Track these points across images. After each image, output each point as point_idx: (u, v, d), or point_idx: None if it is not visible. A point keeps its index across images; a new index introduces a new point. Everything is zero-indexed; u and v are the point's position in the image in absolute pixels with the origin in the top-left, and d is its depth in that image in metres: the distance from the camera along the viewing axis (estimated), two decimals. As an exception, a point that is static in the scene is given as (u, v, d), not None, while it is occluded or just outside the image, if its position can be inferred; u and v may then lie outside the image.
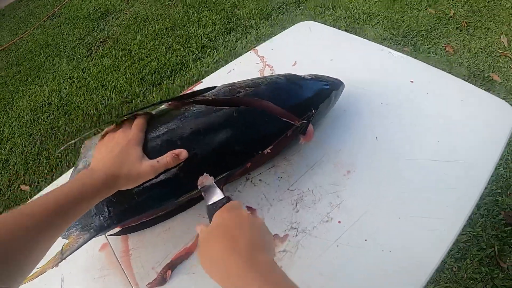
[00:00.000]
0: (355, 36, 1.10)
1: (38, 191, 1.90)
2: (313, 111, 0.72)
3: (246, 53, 1.09)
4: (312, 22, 1.17)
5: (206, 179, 0.61)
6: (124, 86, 2.43)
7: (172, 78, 2.41)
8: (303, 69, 0.87)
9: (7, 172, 2.11)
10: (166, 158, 0.59)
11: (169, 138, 0.62)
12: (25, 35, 3.32)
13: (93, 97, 2.41)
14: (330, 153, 0.78)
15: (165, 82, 2.38)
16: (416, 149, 0.76)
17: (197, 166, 0.62)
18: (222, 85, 0.74)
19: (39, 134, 2.27)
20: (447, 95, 0.87)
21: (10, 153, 2.22)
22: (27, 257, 0.45)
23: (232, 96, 0.69)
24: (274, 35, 1.15)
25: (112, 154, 0.58)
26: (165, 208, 0.69)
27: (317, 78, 0.79)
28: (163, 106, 0.72)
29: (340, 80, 0.83)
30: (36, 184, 1.98)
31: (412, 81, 0.91)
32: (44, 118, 2.38)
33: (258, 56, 1.06)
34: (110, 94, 2.39)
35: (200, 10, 3.02)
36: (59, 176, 1.90)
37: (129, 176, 0.57)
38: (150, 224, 0.70)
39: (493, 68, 2.25)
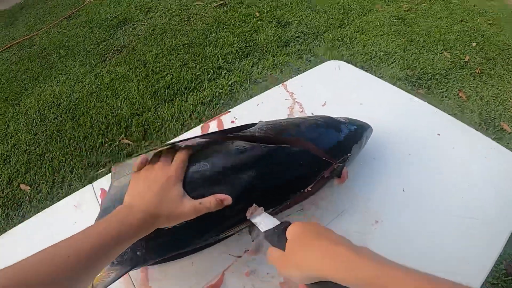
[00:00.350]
0: (384, 82, 1.11)
1: (38, 193, 1.89)
2: (348, 154, 0.73)
3: (275, 87, 1.09)
4: (341, 62, 1.19)
5: (255, 210, 0.61)
6: (136, 97, 2.42)
7: (185, 95, 2.40)
8: (333, 110, 0.88)
9: (7, 168, 2.07)
10: (210, 202, 0.57)
11: (211, 175, 0.61)
12: (41, 32, 3.33)
13: (103, 105, 2.40)
14: (359, 201, 0.77)
15: (177, 99, 2.38)
16: (441, 204, 0.77)
17: (241, 203, 0.61)
18: (262, 122, 0.74)
19: (44, 135, 2.25)
20: (472, 151, 0.89)
21: (12, 149, 2.19)
22: None
23: (274, 134, 0.69)
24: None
25: (151, 192, 0.56)
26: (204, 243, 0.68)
27: (350, 122, 0.80)
28: (202, 139, 0.70)
29: (368, 124, 0.84)
30: (36, 185, 1.95)
31: (439, 134, 0.92)
32: (51, 119, 2.36)
33: (288, 91, 1.06)
34: (121, 104, 2.38)
35: (219, 31, 3.05)
36: (61, 181, 1.93)
37: (169, 216, 0.55)
38: (177, 257, 0.68)
39: (504, 117, 2.30)
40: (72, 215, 0.78)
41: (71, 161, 2.05)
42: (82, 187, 0.84)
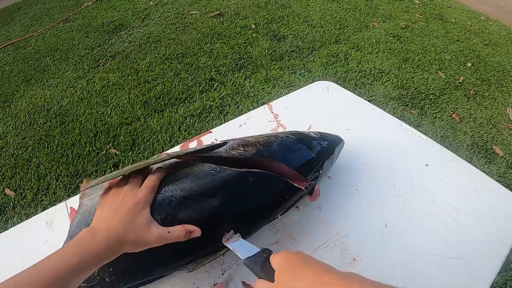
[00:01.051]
0: (374, 106, 1.09)
1: (23, 199, 1.86)
2: (320, 171, 0.73)
3: (260, 107, 1.07)
4: (330, 83, 1.17)
5: (232, 237, 0.60)
6: (126, 106, 2.40)
7: (175, 107, 2.38)
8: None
9: (-7, 172, 2.04)
10: (178, 232, 0.55)
11: (180, 200, 0.60)
12: (36, 34, 3.31)
13: (93, 112, 2.37)
14: (337, 236, 0.75)
15: (168, 109, 2.35)
16: (425, 242, 0.75)
17: (209, 232, 0.60)
18: (234, 139, 0.73)
19: (32, 139, 2.22)
20: (461, 184, 0.87)
21: (0, 152, 2.16)
22: None
23: (245, 155, 0.68)
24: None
25: (117, 216, 0.54)
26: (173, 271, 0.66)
27: (322, 136, 0.80)
28: (173, 160, 0.68)
29: (340, 137, 0.84)
30: (21, 191, 1.91)
31: (427, 165, 0.90)
32: (40, 123, 2.33)
33: (272, 113, 1.04)
34: (110, 112, 2.36)
35: (214, 41, 3.04)
36: (46, 188, 1.90)
37: (135, 243, 0.53)
38: (145, 283, 0.66)
39: (496, 141, 2.30)
40: (44, 233, 0.77)
41: (57, 168, 2.01)
42: (65, 196, 0.83)
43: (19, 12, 3.72)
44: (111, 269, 0.57)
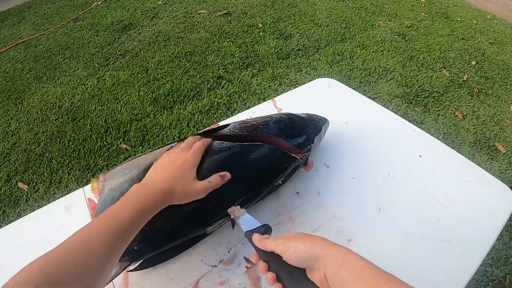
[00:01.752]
0: (372, 101, 1.14)
1: (35, 192, 1.92)
2: (311, 145, 0.83)
3: (264, 103, 1.13)
4: (332, 79, 1.22)
5: (237, 211, 0.68)
6: (136, 103, 2.46)
7: (184, 104, 2.44)
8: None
9: (7, 166, 2.10)
10: (216, 179, 0.65)
11: (211, 169, 0.69)
12: (47, 32, 3.37)
13: (104, 109, 2.44)
14: (334, 219, 0.80)
15: (177, 106, 2.42)
16: (417, 226, 0.80)
17: (227, 195, 0.69)
18: (234, 122, 0.83)
19: (44, 135, 2.28)
20: (453, 173, 0.92)
21: (13, 147, 2.22)
22: (97, 278, 0.48)
23: (248, 132, 0.78)
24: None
25: (167, 171, 0.63)
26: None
27: (310, 116, 0.90)
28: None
29: (325, 118, 0.93)
30: (34, 184, 1.98)
31: (420, 156, 0.96)
32: (52, 120, 2.40)
33: (276, 107, 1.10)
34: (121, 109, 2.42)
35: (221, 40, 3.10)
36: (58, 182, 1.96)
37: (183, 193, 0.62)
38: (164, 259, 0.73)
39: (499, 138, 2.33)
40: (63, 217, 0.82)
41: (69, 162, 2.08)
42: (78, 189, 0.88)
43: (29, 11, 3.78)
44: (139, 237, 0.62)
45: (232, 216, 0.67)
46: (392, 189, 0.87)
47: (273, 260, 0.54)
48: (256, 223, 0.63)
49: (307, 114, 0.91)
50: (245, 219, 0.65)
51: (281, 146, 0.78)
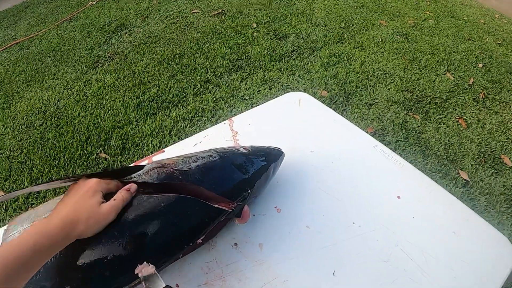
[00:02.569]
0: (349, 122, 1.01)
1: (15, 201, 1.87)
2: (249, 191, 0.67)
3: (220, 124, 1.01)
4: (304, 94, 1.10)
5: (145, 268, 0.57)
6: (120, 109, 2.37)
7: (168, 110, 2.34)
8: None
9: (-12, 174, 2.05)
10: (121, 194, 0.60)
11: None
12: (40, 34, 3.32)
13: (87, 115, 2.36)
14: (275, 282, 0.67)
15: (160, 113, 2.32)
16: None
17: (132, 255, 0.58)
18: (151, 163, 0.69)
19: (28, 142, 2.22)
20: (438, 222, 0.77)
21: (-4, 154, 2.17)
22: None
23: (162, 180, 0.64)
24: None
25: (71, 201, 0.58)
26: None
27: (254, 152, 0.75)
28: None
29: (280, 150, 0.78)
30: (13, 194, 1.92)
31: (399, 197, 0.81)
32: (36, 125, 2.33)
33: (232, 130, 0.98)
34: (104, 115, 2.34)
35: (213, 41, 3.00)
36: (37, 192, 1.89)
37: (87, 222, 0.56)
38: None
39: (505, 149, 2.17)
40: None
41: (49, 171, 2.01)
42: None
43: (26, 11, 3.75)
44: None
45: (138, 274, 0.57)
46: (354, 245, 0.72)
47: None
48: (161, 283, 0.55)
49: (252, 147, 0.77)
50: (152, 279, 0.57)
51: (205, 196, 0.64)
